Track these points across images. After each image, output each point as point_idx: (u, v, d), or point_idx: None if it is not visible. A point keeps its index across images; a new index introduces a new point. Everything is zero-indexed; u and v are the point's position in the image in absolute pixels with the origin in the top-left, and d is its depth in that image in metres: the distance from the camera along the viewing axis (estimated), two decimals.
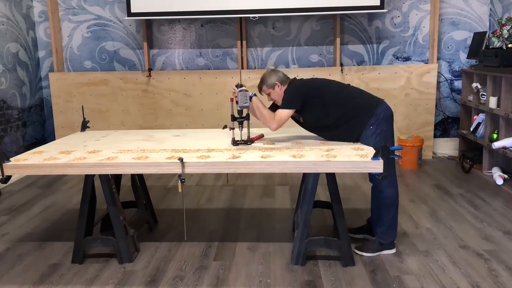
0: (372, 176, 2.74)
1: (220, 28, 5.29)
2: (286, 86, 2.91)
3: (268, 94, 2.95)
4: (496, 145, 4.11)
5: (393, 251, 2.86)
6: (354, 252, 2.83)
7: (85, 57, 5.42)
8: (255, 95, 2.90)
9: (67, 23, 5.36)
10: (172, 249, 2.99)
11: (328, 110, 2.83)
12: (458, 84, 5.26)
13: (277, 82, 2.88)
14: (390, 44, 5.22)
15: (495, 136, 4.29)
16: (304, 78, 3.06)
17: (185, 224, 3.07)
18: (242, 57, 5.21)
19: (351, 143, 2.85)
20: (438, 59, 5.20)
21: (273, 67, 2.68)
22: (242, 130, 2.91)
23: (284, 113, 2.82)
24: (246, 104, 2.83)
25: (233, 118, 2.90)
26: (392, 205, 2.82)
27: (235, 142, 2.90)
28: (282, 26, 5.25)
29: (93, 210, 2.93)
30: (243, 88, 2.85)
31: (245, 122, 2.91)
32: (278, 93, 2.90)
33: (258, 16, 4.97)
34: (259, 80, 2.97)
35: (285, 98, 2.87)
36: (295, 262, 2.73)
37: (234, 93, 2.88)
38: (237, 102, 2.87)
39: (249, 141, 2.91)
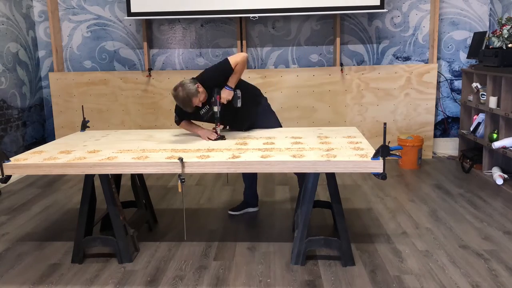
0: None
1: (220, 28, 5.29)
2: (200, 81, 3.07)
3: (198, 102, 3.05)
4: (496, 145, 4.11)
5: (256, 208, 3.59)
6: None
7: (85, 57, 5.42)
8: (228, 86, 3.10)
9: (67, 23, 5.36)
10: (172, 249, 2.99)
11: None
12: (458, 84, 5.26)
13: (196, 85, 3.01)
14: (390, 44, 5.22)
15: (495, 136, 4.29)
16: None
17: (185, 224, 3.07)
18: None
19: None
20: (438, 59, 5.20)
21: (187, 83, 2.97)
22: (217, 127, 3.13)
23: (230, 57, 3.11)
24: (239, 97, 3.16)
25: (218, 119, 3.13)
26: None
27: (218, 137, 3.13)
28: (282, 26, 5.25)
29: (93, 210, 2.93)
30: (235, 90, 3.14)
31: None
32: (203, 91, 3.05)
33: (258, 16, 4.97)
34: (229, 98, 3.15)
35: (221, 65, 3.13)
36: (295, 262, 2.73)
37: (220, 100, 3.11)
38: (231, 102, 3.15)
39: (222, 136, 3.15)
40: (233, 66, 3.09)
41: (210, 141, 3.09)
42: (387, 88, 5.06)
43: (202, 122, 3.33)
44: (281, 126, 3.50)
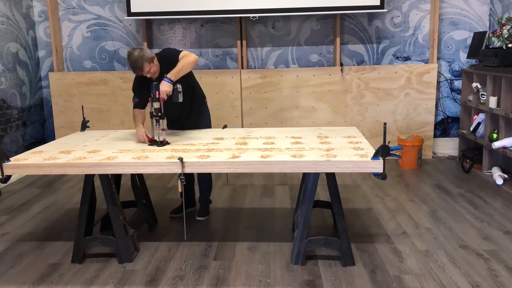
0: None
1: (220, 27, 5.29)
2: (157, 57, 3.07)
3: (148, 71, 3.00)
4: (496, 145, 4.11)
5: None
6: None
7: (85, 57, 5.42)
8: (167, 78, 2.93)
9: (67, 22, 5.35)
10: (172, 249, 2.99)
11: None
12: (458, 84, 5.26)
13: (152, 55, 3.00)
14: (390, 43, 5.22)
15: (495, 136, 4.29)
16: None
17: (185, 224, 3.07)
18: (242, 57, 5.21)
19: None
20: (438, 59, 5.20)
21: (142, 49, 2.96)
22: (159, 128, 2.90)
23: (185, 52, 3.08)
24: (180, 92, 2.96)
25: (152, 115, 2.90)
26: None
27: (152, 142, 2.93)
28: (282, 26, 5.25)
29: (93, 209, 2.93)
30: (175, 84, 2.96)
31: (162, 121, 2.92)
32: (156, 65, 3.04)
33: (258, 16, 4.97)
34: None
35: (174, 52, 3.11)
36: (295, 262, 2.73)
37: (144, 140, 2.98)
38: (171, 98, 2.94)
39: (166, 142, 2.92)
40: (180, 55, 3.06)
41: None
42: (387, 88, 5.06)
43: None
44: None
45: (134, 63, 2.97)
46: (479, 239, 3.03)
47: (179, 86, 2.97)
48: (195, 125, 3.45)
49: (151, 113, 2.90)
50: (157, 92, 2.86)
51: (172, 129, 3.37)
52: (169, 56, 3.12)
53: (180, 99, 2.98)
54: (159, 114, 2.89)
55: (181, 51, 3.13)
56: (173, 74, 2.97)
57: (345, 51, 5.25)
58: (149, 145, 2.94)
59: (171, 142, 2.99)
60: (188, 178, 3.45)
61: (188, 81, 3.23)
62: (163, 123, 2.93)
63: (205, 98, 3.51)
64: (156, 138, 2.94)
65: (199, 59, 5.34)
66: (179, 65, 3.01)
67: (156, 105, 2.88)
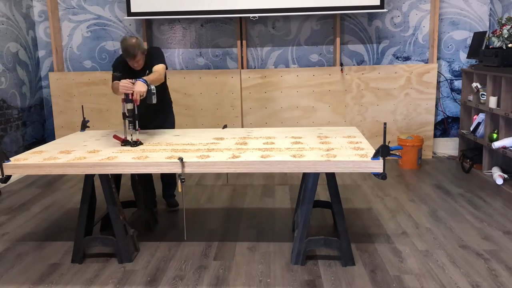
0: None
1: (220, 27, 5.29)
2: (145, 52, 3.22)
3: (138, 60, 3.15)
4: (496, 145, 4.11)
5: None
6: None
7: (85, 57, 5.42)
8: (145, 81, 2.91)
9: (67, 22, 5.35)
10: (172, 249, 2.99)
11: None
12: (458, 84, 5.26)
13: (145, 48, 3.21)
14: (390, 43, 5.22)
15: (495, 136, 4.29)
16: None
17: (185, 224, 3.07)
18: (242, 57, 5.21)
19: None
20: (438, 58, 5.20)
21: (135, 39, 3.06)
22: (132, 129, 2.90)
23: (163, 66, 3.22)
24: (154, 93, 2.93)
25: (125, 116, 2.90)
26: None
27: (125, 143, 2.91)
28: (282, 26, 5.25)
29: (93, 210, 2.93)
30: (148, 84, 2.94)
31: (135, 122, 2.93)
32: (144, 58, 3.21)
33: (258, 16, 4.97)
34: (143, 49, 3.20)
35: (160, 56, 3.27)
36: (295, 261, 2.73)
37: (128, 89, 2.84)
38: (145, 100, 2.90)
39: (139, 142, 2.92)
40: (157, 67, 3.15)
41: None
42: (387, 88, 5.06)
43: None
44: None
45: (129, 48, 3.07)
46: (479, 239, 3.03)
47: (153, 87, 2.94)
48: (159, 128, 3.50)
49: (124, 114, 2.88)
50: (130, 93, 2.83)
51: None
52: (155, 56, 3.27)
53: (154, 101, 2.95)
54: (133, 115, 2.88)
55: (162, 62, 3.24)
56: (149, 79, 2.96)
57: (345, 51, 5.25)
58: (122, 145, 2.92)
59: (144, 143, 2.98)
60: (148, 182, 3.49)
61: (161, 84, 3.24)
62: (136, 124, 2.91)
63: (172, 103, 3.63)
64: (129, 138, 2.93)
65: (199, 59, 5.35)
66: (156, 75, 3.08)
67: (130, 106, 2.86)
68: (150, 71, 3.15)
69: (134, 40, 3.10)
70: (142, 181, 3.30)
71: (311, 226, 2.92)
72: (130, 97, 2.84)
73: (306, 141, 2.99)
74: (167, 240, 3.12)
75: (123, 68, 3.22)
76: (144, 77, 2.95)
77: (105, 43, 5.38)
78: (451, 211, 3.56)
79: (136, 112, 2.89)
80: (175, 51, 5.36)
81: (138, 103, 2.87)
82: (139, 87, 2.85)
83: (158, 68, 3.16)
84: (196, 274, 2.67)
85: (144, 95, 2.88)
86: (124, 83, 2.84)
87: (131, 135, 2.92)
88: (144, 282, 2.59)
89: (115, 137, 2.99)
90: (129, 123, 2.89)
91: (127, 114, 2.88)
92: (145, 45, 3.18)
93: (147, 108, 3.17)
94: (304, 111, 5.14)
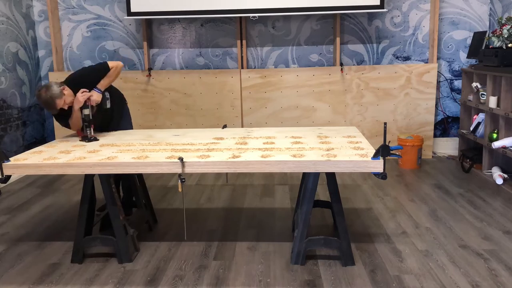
0: None
1: (220, 27, 5.29)
2: (68, 83, 3.12)
3: (63, 104, 3.05)
4: (496, 144, 4.11)
5: None
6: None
7: (85, 57, 5.42)
8: (97, 89, 3.18)
9: (67, 22, 5.35)
10: (172, 249, 2.99)
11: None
12: (458, 83, 5.26)
13: (61, 88, 3.03)
14: (390, 43, 5.22)
15: (495, 135, 4.29)
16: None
17: (185, 224, 3.07)
18: (242, 57, 5.21)
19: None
20: (438, 58, 5.20)
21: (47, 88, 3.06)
22: (89, 131, 3.14)
23: (108, 65, 3.22)
24: (108, 98, 3.28)
25: (84, 121, 3.15)
26: None
27: (83, 138, 3.16)
28: (282, 26, 5.25)
29: (93, 210, 2.93)
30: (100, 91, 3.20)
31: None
32: (70, 94, 3.08)
33: (258, 16, 4.97)
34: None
35: (93, 70, 3.26)
36: (295, 261, 2.73)
37: (86, 96, 3.10)
38: (101, 105, 3.21)
39: (94, 138, 3.16)
40: (110, 68, 3.22)
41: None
42: (387, 88, 5.06)
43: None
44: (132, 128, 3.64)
45: (46, 105, 3.06)
46: (479, 239, 3.03)
47: (107, 93, 3.28)
48: (117, 126, 3.50)
49: (83, 119, 3.15)
50: (87, 100, 3.11)
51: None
52: (96, 74, 3.22)
53: (108, 105, 3.30)
54: (89, 119, 3.14)
55: (105, 62, 3.25)
56: (103, 85, 3.21)
57: (345, 51, 5.25)
58: (80, 140, 3.17)
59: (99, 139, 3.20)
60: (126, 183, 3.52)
61: (109, 88, 3.35)
62: (92, 127, 3.16)
63: (124, 99, 3.59)
64: (87, 135, 3.18)
65: (199, 59, 5.35)
66: (106, 81, 3.22)
67: (86, 111, 3.12)
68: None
69: (43, 94, 2.99)
70: (124, 181, 3.34)
71: (311, 226, 2.92)
72: (88, 103, 3.12)
73: (306, 141, 2.99)
74: (167, 240, 3.12)
75: (62, 114, 3.21)
76: (98, 85, 3.19)
77: (105, 43, 5.38)
78: (451, 211, 3.56)
79: (91, 117, 3.14)
80: (175, 51, 5.36)
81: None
82: (95, 96, 3.16)
83: (111, 66, 3.23)
84: (196, 274, 2.67)
85: (99, 102, 3.20)
86: (82, 93, 3.09)
87: (89, 134, 3.16)
88: (144, 282, 2.59)
89: (78, 133, 3.31)
90: (86, 127, 3.14)
91: (85, 120, 3.14)
92: (56, 88, 3.02)
93: (104, 111, 3.33)
94: (304, 111, 5.14)
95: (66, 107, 3.11)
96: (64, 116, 3.22)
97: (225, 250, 2.95)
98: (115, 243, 2.81)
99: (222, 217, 3.54)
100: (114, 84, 3.46)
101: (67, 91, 3.08)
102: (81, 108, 3.12)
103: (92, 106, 3.15)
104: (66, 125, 3.29)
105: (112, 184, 2.82)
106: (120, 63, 3.28)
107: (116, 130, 3.48)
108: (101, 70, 3.22)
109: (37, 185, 4.48)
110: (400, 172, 4.66)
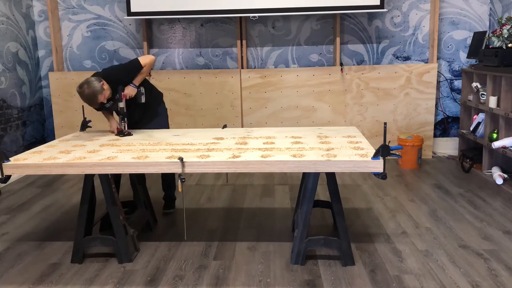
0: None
1: (220, 27, 5.29)
2: (106, 78, 3.19)
3: (104, 99, 3.17)
4: (496, 144, 4.11)
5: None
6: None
7: (85, 57, 5.42)
8: (134, 85, 3.31)
9: (67, 22, 5.35)
10: (172, 249, 2.99)
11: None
12: (458, 83, 5.26)
13: (101, 83, 3.12)
14: (390, 43, 5.22)
15: (495, 135, 4.29)
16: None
17: (185, 224, 3.07)
18: (242, 57, 5.21)
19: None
20: (438, 58, 5.20)
21: (90, 83, 3.14)
22: (124, 123, 3.31)
23: (140, 62, 3.29)
24: (143, 93, 3.37)
25: (118, 113, 3.32)
26: None
27: (119, 133, 3.33)
28: (282, 26, 5.25)
29: (93, 210, 2.93)
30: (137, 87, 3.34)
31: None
32: (107, 88, 3.18)
33: (258, 16, 4.97)
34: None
35: (126, 67, 3.33)
36: (295, 261, 2.73)
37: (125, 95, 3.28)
38: (135, 99, 3.33)
39: (128, 133, 3.32)
40: (142, 66, 3.30)
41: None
42: (387, 88, 5.06)
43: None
44: (168, 128, 3.69)
45: (89, 101, 3.17)
46: (479, 239, 3.03)
47: (142, 88, 3.36)
48: (150, 122, 3.57)
49: (118, 112, 3.31)
50: (122, 93, 3.25)
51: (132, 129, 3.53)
52: (128, 71, 3.30)
53: (143, 100, 3.37)
54: (124, 112, 3.29)
55: (136, 59, 3.31)
56: (137, 80, 3.31)
57: (345, 51, 5.25)
58: (115, 134, 3.34)
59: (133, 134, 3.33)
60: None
61: (145, 84, 3.45)
62: (126, 119, 3.33)
63: (161, 98, 3.66)
64: (122, 129, 3.34)
65: (199, 59, 5.35)
66: (140, 77, 3.31)
67: (121, 104, 3.27)
68: (122, 90, 3.25)
69: (86, 91, 3.09)
70: (141, 180, 3.32)
71: (311, 226, 2.92)
72: (122, 97, 3.26)
73: (306, 141, 2.99)
74: (167, 240, 3.12)
75: (100, 107, 3.36)
76: (134, 81, 3.30)
77: (105, 43, 5.38)
78: (451, 211, 3.56)
79: (125, 110, 3.30)
80: (175, 51, 5.36)
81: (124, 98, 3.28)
82: (129, 90, 3.29)
83: (143, 63, 3.29)
84: (196, 274, 2.67)
85: (133, 96, 3.31)
86: (113, 128, 3.39)
87: (124, 127, 3.33)
88: (144, 282, 2.59)
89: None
90: (121, 119, 3.32)
91: (120, 112, 3.30)
92: (97, 83, 3.10)
93: (137, 106, 3.43)
94: (304, 111, 5.14)
95: (105, 101, 3.23)
96: (102, 109, 3.39)
97: (225, 250, 2.95)
98: (115, 243, 2.81)
99: (222, 217, 3.54)
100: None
101: (106, 85, 3.16)
102: (117, 102, 3.26)
103: (126, 100, 3.27)
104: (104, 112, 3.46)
105: (112, 184, 2.82)
106: (151, 58, 3.34)
107: (148, 125, 3.54)
108: (134, 69, 3.30)
109: (37, 185, 4.48)
110: (400, 172, 4.66)
